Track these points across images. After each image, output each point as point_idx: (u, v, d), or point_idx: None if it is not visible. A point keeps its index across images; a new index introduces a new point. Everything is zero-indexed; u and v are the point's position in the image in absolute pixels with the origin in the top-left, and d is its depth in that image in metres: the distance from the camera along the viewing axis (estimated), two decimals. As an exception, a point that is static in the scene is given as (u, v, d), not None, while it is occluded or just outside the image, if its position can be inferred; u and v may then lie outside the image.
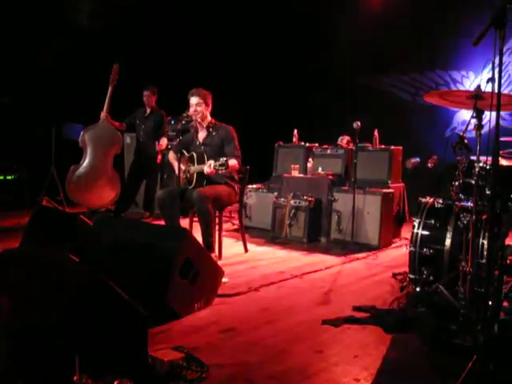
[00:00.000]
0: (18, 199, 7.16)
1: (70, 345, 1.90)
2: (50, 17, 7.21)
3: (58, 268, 2.25)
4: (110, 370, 1.96)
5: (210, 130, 4.45)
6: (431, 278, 3.28)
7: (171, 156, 4.62)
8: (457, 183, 3.08)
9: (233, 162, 4.22)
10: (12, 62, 6.96)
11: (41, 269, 2.23)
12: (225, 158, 3.99)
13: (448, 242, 3.25)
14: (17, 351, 2.13)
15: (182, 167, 4.39)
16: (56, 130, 6.72)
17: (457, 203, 3.23)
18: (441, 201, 3.41)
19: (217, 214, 4.41)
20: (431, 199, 3.50)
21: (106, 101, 5.87)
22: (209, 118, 4.47)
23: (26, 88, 7.19)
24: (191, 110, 4.34)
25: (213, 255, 4.09)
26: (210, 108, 4.44)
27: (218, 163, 3.98)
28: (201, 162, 4.26)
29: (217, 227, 4.41)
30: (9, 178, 7.25)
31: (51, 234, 3.59)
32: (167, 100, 6.24)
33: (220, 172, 4.03)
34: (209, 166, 4.05)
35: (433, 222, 3.36)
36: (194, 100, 4.33)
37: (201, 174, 4.22)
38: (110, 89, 5.87)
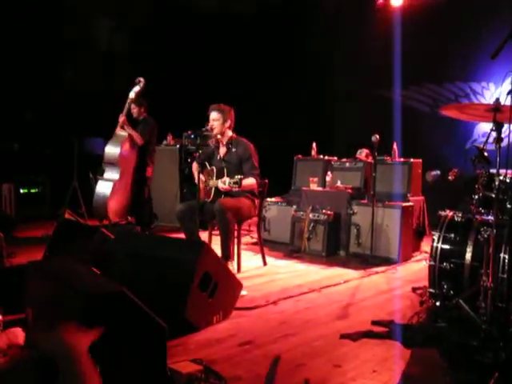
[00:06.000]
0: (41, 212, 7.32)
1: (91, 355, 1.93)
2: (72, 35, 7.42)
3: (79, 280, 2.30)
4: (129, 381, 1.99)
5: (230, 146, 4.50)
6: (451, 292, 3.24)
7: (195, 167, 4.68)
8: (477, 197, 3.05)
9: (249, 181, 4.28)
10: (35, 78, 7.16)
11: (62, 281, 2.27)
12: (239, 177, 4.05)
13: (468, 256, 3.21)
14: (38, 362, 2.18)
15: (203, 179, 4.45)
16: (78, 144, 6.86)
17: (477, 217, 3.20)
18: (460, 214, 3.37)
19: (236, 227, 4.45)
20: (451, 213, 3.47)
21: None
22: (229, 133, 4.52)
23: (48, 103, 7.38)
24: (210, 124, 4.42)
25: (230, 264, 4.12)
26: (229, 124, 4.47)
27: (232, 181, 4.04)
28: (220, 176, 4.32)
29: (235, 240, 4.44)
30: (33, 191, 7.42)
31: (73, 246, 3.66)
32: (192, 116, 6.26)
33: (233, 190, 4.09)
34: (223, 183, 4.12)
35: (453, 235, 3.32)
36: (212, 115, 4.42)
37: (218, 188, 4.28)
38: (129, 99, 5.84)
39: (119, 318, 2.02)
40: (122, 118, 5.87)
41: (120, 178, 5.85)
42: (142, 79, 5.86)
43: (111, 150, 5.85)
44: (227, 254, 4.14)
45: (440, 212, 3.54)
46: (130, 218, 6.19)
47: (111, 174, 5.89)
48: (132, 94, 5.85)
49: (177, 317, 2.76)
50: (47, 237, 5.12)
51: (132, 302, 2.04)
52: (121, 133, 5.88)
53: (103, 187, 5.84)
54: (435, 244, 3.39)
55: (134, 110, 6.13)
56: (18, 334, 2.43)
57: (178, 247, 3.22)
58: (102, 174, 5.94)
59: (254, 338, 2.86)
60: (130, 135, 5.88)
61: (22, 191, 7.25)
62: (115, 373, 1.96)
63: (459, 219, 3.38)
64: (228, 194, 4.31)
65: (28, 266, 2.64)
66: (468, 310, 2.92)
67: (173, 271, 2.95)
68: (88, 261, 3.27)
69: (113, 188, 5.79)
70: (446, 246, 3.35)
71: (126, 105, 5.88)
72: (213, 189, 4.35)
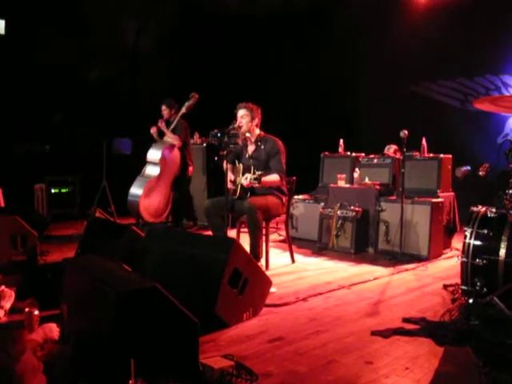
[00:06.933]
0: (72, 211, 7.50)
1: (125, 350, 1.97)
2: (102, 38, 7.54)
3: (111, 276, 2.34)
4: (163, 375, 2.02)
5: (259, 143, 4.51)
6: (485, 289, 3.18)
7: (225, 165, 4.71)
8: (511, 192, 2.98)
9: (271, 178, 4.29)
10: (65, 81, 7.31)
11: (95, 277, 2.32)
12: (259, 172, 4.08)
13: (502, 252, 3.14)
14: (74, 355, 2.23)
15: (232, 177, 4.48)
16: (106, 144, 7.00)
17: (511, 212, 3.13)
18: (494, 210, 3.30)
19: (264, 224, 4.46)
20: (483, 208, 3.40)
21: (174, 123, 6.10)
22: (257, 131, 4.53)
23: (78, 105, 7.53)
24: (237, 121, 4.45)
25: (259, 263, 4.13)
26: (257, 122, 4.50)
27: (252, 176, 4.06)
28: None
29: (264, 238, 4.45)
30: (63, 190, 7.59)
31: (104, 244, 3.73)
32: (217, 114, 6.32)
33: (254, 185, 4.11)
34: (245, 179, 4.14)
35: (486, 231, 3.26)
36: (239, 112, 4.45)
37: (243, 185, 4.30)
38: (181, 112, 6.04)
39: (152, 313, 2.06)
40: (161, 125, 6.13)
41: (158, 178, 6.01)
42: (195, 94, 6.01)
43: (154, 150, 6.11)
44: (257, 254, 4.15)
45: (472, 207, 3.47)
46: (169, 217, 6.39)
47: (150, 172, 6.09)
48: (184, 109, 6.04)
49: (207, 313, 2.78)
50: (78, 235, 5.25)
51: (165, 298, 2.07)
52: (166, 139, 6.14)
53: (138, 184, 6.02)
54: (467, 240, 3.32)
55: (165, 112, 6.27)
56: (54, 329, 2.51)
57: (209, 244, 3.24)
58: (142, 173, 6.17)
59: (284, 335, 2.86)
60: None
61: (53, 191, 7.43)
62: (149, 367, 2.00)
63: (492, 215, 3.31)
64: (254, 191, 4.32)
65: (63, 263, 2.71)
66: (503, 308, 2.86)
67: (203, 268, 2.97)
68: (118, 258, 3.33)
69: (147, 185, 5.94)
70: (479, 242, 3.29)
71: (178, 118, 6.08)
72: (239, 186, 4.37)
